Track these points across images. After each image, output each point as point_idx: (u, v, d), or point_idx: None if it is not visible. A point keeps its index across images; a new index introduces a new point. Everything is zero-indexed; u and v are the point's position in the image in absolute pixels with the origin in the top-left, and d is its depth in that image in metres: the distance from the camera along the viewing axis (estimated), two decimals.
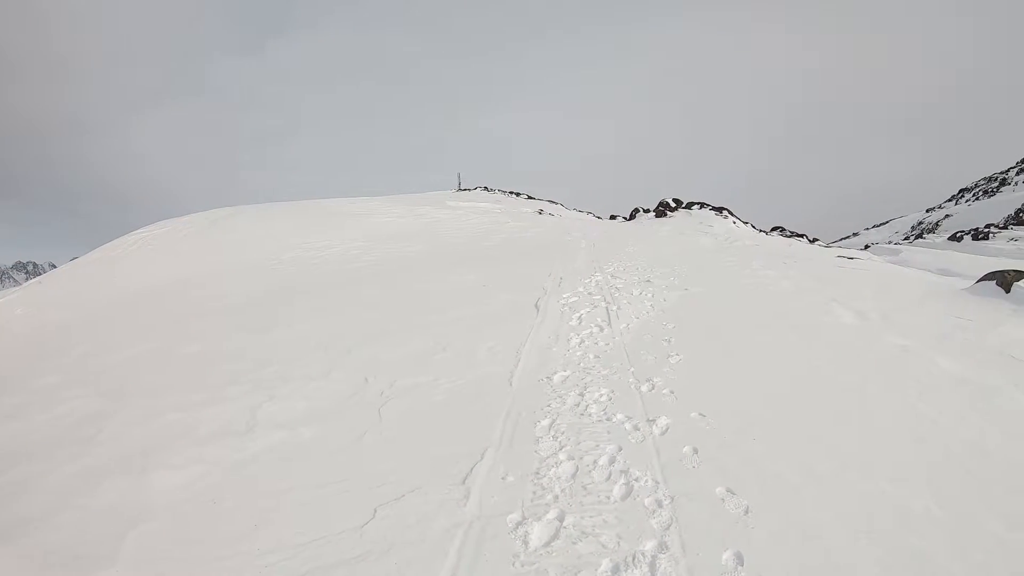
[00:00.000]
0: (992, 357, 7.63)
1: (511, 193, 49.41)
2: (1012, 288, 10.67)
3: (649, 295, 10.78)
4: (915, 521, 4.23)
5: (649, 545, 3.92)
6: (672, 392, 6.41)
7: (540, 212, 34.05)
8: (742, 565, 3.76)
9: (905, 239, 55.76)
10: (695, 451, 5.13)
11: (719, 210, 30.50)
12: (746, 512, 4.28)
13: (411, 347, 8.14)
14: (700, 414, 5.85)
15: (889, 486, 4.66)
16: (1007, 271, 11.30)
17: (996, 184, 72.16)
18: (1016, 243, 32.53)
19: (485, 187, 52.11)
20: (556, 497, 4.47)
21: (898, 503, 4.44)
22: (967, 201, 71.87)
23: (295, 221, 24.95)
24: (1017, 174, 70.67)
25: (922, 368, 7.17)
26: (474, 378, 6.95)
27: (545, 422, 5.72)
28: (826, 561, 3.81)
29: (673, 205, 31.40)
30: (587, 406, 6.07)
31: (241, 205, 31.27)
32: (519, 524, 4.13)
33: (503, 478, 4.75)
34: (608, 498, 4.46)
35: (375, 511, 4.39)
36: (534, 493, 4.51)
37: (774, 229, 32.80)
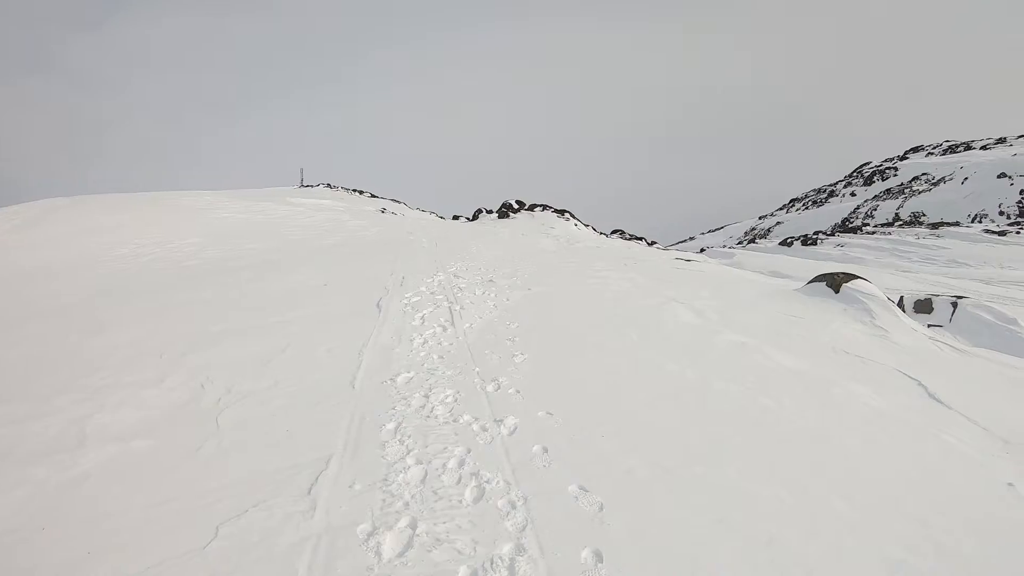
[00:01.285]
0: (826, 352, 8.50)
1: (354, 191, 48.93)
2: (841, 289, 11.49)
3: (492, 295, 10.95)
4: (766, 507, 4.54)
5: (506, 548, 3.93)
6: (518, 391, 6.55)
7: (383, 211, 33.81)
8: (601, 562, 3.86)
9: (739, 244, 59.01)
10: (545, 450, 5.25)
11: (561, 212, 31.28)
12: (600, 509, 4.41)
13: (250, 350, 7.83)
14: (547, 413, 6.00)
15: (738, 476, 4.99)
16: (836, 273, 12.29)
17: (825, 195, 78.37)
18: (842, 249, 35.22)
19: (328, 184, 51.41)
20: (407, 504, 4.38)
21: (748, 491, 4.76)
22: (797, 210, 77.14)
23: (132, 214, 23.65)
24: (844, 187, 76.48)
25: (761, 363, 7.83)
26: (315, 381, 6.76)
27: (391, 425, 5.63)
28: (684, 552, 4.00)
29: (516, 207, 31.95)
30: (433, 408, 6.05)
31: (78, 196, 29.31)
32: (370, 535, 4.01)
33: (350, 486, 4.61)
34: (460, 502, 4.45)
35: (217, 529, 4.13)
36: (383, 501, 4.41)
37: (614, 232, 33.92)
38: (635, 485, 4.73)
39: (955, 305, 12.23)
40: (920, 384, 7.37)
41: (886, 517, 4.51)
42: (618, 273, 13.86)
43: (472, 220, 32.40)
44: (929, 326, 11.35)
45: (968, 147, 74.57)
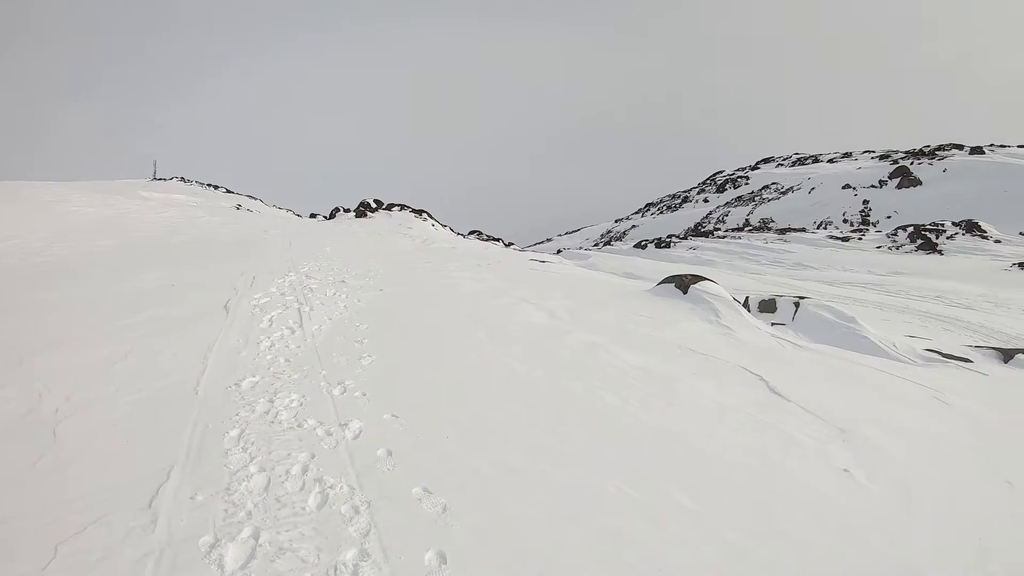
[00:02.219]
0: (672, 350, 8.89)
1: (209, 186, 47.55)
2: (689, 290, 12.11)
3: (343, 296, 10.95)
4: (611, 503, 4.73)
5: (350, 554, 3.94)
6: (364, 394, 6.54)
7: (238, 207, 33.01)
8: (445, 563, 3.92)
9: (595, 245, 60.42)
10: (389, 453, 5.27)
11: (419, 212, 31.39)
12: (444, 510, 4.48)
13: (91, 355, 7.52)
14: (393, 415, 6.03)
15: (583, 472, 5.17)
16: (684, 275, 12.88)
17: (679, 201, 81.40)
18: (695, 251, 36.89)
19: (182, 178, 49.78)
20: (249, 513, 4.33)
21: (593, 487, 4.94)
22: (653, 214, 79.55)
23: None
24: (698, 193, 79.47)
25: (608, 361, 8.14)
26: (158, 388, 6.57)
27: (234, 433, 5.54)
28: (530, 550, 4.12)
29: (374, 206, 31.87)
30: (278, 413, 5.98)
31: None
32: (212, 547, 3.96)
33: (192, 498, 4.53)
34: (304, 509, 4.42)
35: (56, 549, 3.98)
36: (226, 511, 4.34)
37: (472, 233, 34.14)
38: (480, 485, 4.84)
39: (797, 305, 13.01)
40: (762, 379, 7.88)
41: (729, 507, 4.81)
42: (472, 274, 14.13)
43: (330, 219, 32.22)
44: (773, 324, 12.03)
45: (816, 160, 79.82)
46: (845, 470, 5.60)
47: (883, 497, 5.23)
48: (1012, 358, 11.06)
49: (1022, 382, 9.72)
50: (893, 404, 7.67)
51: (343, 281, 12.23)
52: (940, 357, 10.61)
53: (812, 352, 9.94)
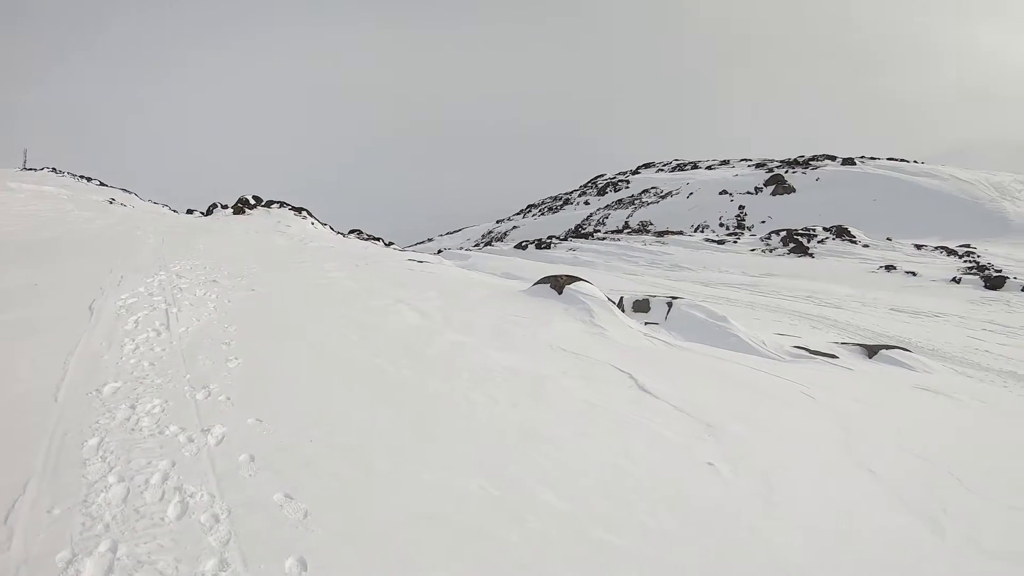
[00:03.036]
0: (543, 350, 8.99)
1: (82, 178, 45.62)
2: (564, 291, 12.26)
3: (214, 296, 10.64)
4: (473, 502, 4.79)
5: (209, 564, 3.84)
6: (229, 398, 6.35)
7: (111, 201, 31.82)
8: (305, 570, 3.88)
9: (476, 246, 60.68)
10: (252, 458, 5.15)
11: (299, 210, 30.89)
12: (305, 516, 4.41)
13: None
14: (257, 419, 5.88)
15: (447, 472, 5.21)
16: (559, 276, 13.06)
17: (561, 203, 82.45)
18: (574, 252, 37.51)
19: (54, 169, 47.60)
20: (107, 526, 4.18)
21: (456, 487, 4.99)
22: (534, 216, 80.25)
23: None
24: (579, 196, 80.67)
25: (479, 362, 8.21)
26: (15, 396, 6.22)
27: (93, 441, 5.31)
28: (391, 551, 4.13)
29: (253, 203, 31.19)
30: (139, 419, 5.75)
31: None
32: (69, 562, 3.81)
33: (49, 511, 4.33)
34: (163, 520, 4.27)
35: None
36: (83, 524, 4.18)
37: (352, 232, 33.78)
38: (343, 488, 4.81)
39: (670, 305, 13.43)
40: (631, 377, 8.07)
41: (592, 503, 4.92)
42: (349, 274, 14.05)
43: (207, 215, 31.35)
44: (646, 324, 12.35)
45: (695, 166, 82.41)
46: (710, 464, 5.82)
47: (746, 489, 5.47)
48: (876, 354, 11.73)
49: (885, 376, 10.31)
50: (760, 399, 8.05)
51: (214, 280, 11.91)
52: (807, 353, 11.13)
53: (683, 350, 10.30)
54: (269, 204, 31.63)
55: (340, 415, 6.16)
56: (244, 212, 29.87)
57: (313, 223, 29.08)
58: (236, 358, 7.56)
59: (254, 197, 31.84)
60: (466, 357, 8.27)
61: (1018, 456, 7.26)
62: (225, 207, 31.69)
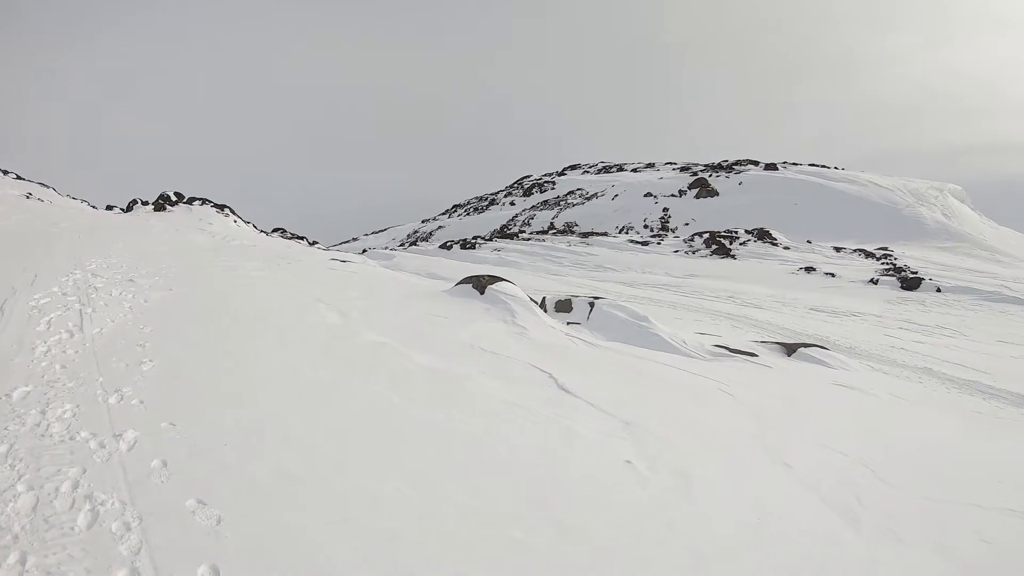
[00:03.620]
0: (463, 349, 8.99)
1: None
2: (486, 291, 12.27)
3: (130, 296, 10.36)
4: (387, 504, 4.74)
5: (120, 574, 3.71)
6: (142, 402, 6.18)
7: (28, 196, 30.81)
8: None
9: (401, 245, 60.29)
10: (164, 464, 5.01)
11: (221, 208, 30.30)
12: (218, 522, 4.31)
13: None
14: (171, 423, 5.73)
15: (362, 475, 5.16)
16: (481, 276, 13.06)
17: (486, 203, 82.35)
18: (499, 253, 37.50)
19: None
20: (16, 537, 4.02)
21: (372, 489, 4.93)
22: (460, 216, 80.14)
23: None
24: (505, 196, 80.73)
25: (397, 362, 8.17)
26: None
27: (2, 448, 5.11)
28: (304, 556, 4.06)
29: (174, 199, 30.51)
30: (49, 425, 5.57)
31: None
32: None
33: None
34: (73, 529, 4.14)
35: None
36: None
37: (276, 230, 33.37)
38: (256, 494, 4.71)
39: (592, 305, 13.54)
40: (551, 376, 8.11)
41: (508, 503, 4.93)
42: (269, 273, 13.89)
43: (126, 211, 30.56)
44: (568, 324, 12.40)
45: (621, 168, 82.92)
46: (627, 461, 5.88)
47: (664, 485, 5.54)
48: (795, 352, 12.00)
49: (803, 373, 10.53)
50: (679, 397, 8.20)
51: (131, 280, 11.60)
52: (727, 352, 11.32)
53: (604, 350, 10.41)
54: (191, 201, 31.02)
55: (255, 418, 6.05)
56: (165, 209, 29.23)
57: (235, 221, 28.61)
58: (150, 360, 7.36)
59: (175, 194, 31.18)
60: (385, 357, 8.22)
61: (932, 448, 7.49)
62: (146, 204, 30.96)
